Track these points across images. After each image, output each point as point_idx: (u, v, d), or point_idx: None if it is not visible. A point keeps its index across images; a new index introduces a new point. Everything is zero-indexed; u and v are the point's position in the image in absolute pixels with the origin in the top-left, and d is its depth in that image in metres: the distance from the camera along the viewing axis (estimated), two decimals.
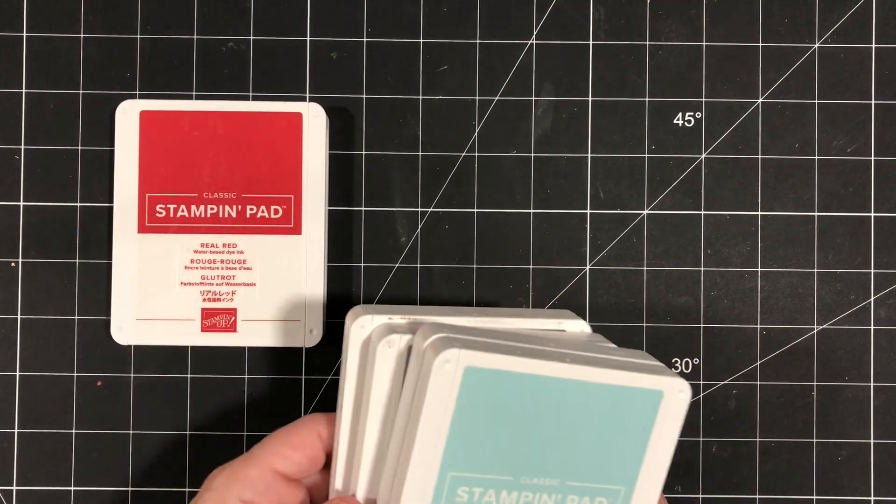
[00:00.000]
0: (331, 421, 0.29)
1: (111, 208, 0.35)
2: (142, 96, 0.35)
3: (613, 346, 0.29)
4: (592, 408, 0.25)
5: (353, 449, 0.28)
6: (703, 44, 0.36)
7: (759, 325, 0.36)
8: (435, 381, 0.24)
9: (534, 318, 0.29)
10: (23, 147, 0.35)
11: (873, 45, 0.36)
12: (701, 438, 0.35)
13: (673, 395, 0.25)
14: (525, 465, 0.25)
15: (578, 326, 0.29)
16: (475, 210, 0.36)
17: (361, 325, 0.27)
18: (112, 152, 0.35)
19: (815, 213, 0.36)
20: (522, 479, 0.25)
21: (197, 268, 0.34)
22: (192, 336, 0.34)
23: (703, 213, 0.36)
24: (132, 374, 0.35)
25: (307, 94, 0.36)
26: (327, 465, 0.29)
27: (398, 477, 0.25)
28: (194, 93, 0.36)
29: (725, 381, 0.36)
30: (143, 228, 0.34)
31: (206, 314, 0.34)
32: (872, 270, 0.36)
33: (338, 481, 0.28)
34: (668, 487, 0.35)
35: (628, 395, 0.25)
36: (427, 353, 0.24)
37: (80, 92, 0.35)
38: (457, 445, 0.24)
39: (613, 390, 0.25)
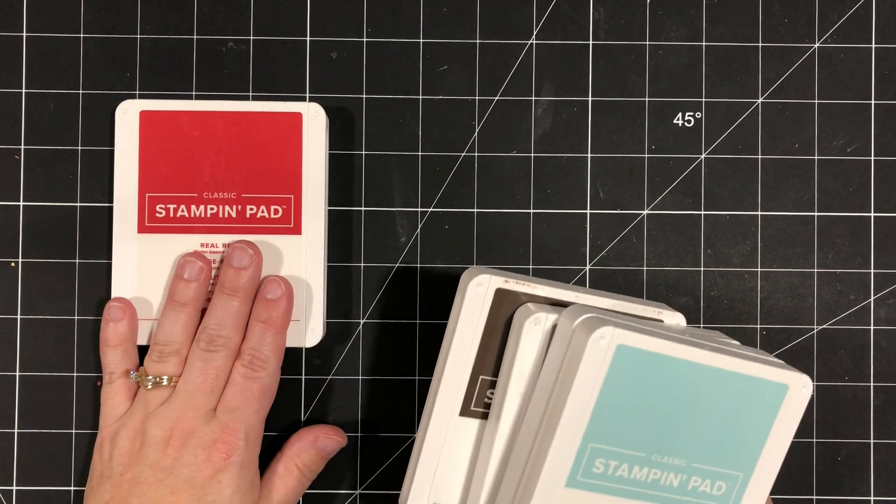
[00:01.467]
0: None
1: (111, 208, 0.35)
2: (142, 96, 0.35)
3: (737, 342, 0.30)
4: (724, 395, 0.27)
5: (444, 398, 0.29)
6: (703, 44, 0.36)
7: (759, 325, 0.36)
8: (589, 356, 0.25)
9: (636, 304, 0.31)
10: (23, 147, 0.35)
11: (873, 45, 0.36)
12: None
13: (797, 390, 0.27)
14: (658, 443, 0.26)
15: (675, 319, 0.31)
16: (475, 210, 0.36)
17: (479, 283, 0.29)
18: (112, 152, 0.35)
19: (815, 213, 0.36)
20: (654, 456, 0.27)
21: None
22: None
23: (703, 213, 0.36)
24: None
25: (307, 94, 0.36)
26: None
27: (542, 443, 0.26)
28: (194, 93, 0.36)
29: None
30: (143, 228, 0.34)
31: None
32: (872, 270, 0.36)
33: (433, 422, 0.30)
34: None
35: (757, 386, 0.27)
36: (579, 330, 0.26)
37: (80, 92, 0.35)
38: (600, 418, 0.26)
39: (745, 380, 0.27)
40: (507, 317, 0.29)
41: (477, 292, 0.29)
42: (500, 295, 0.29)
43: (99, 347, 0.33)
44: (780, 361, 0.28)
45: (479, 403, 0.29)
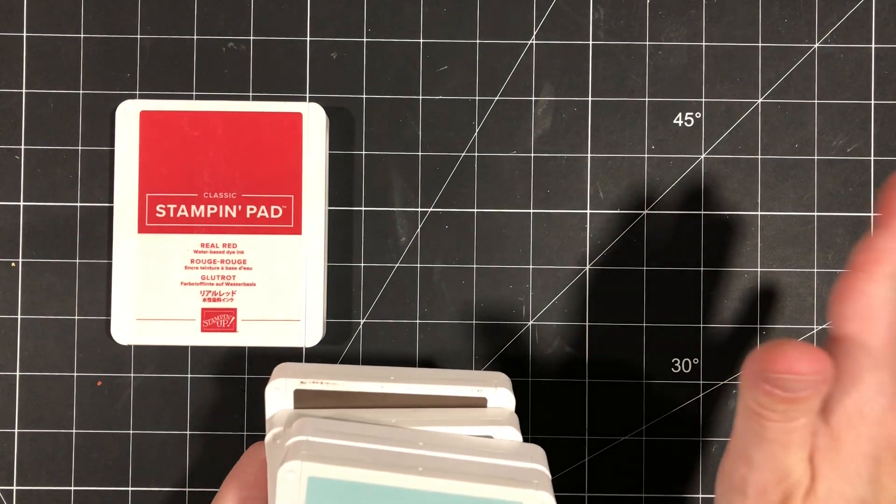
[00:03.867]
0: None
1: (111, 208, 0.35)
2: (142, 96, 0.35)
3: (513, 440, 0.27)
4: None
5: None
6: (703, 44, 0.36)
7: (758, 325, 0.36)
8: (281, 490, 0.24)
9: (458, 384, 0.28)
10: (23, 147, 0.35)
11: (873, 45, 0.36)
12: (701, 438, 0.35)
13: None
14: None
15: (501, 395, 0.29)
16: (475, 210, 0.36)
17: (276, 388, 0.28)
18: (112, 152, 0.35)
19: (815, 213, 0.36)
20: None
21: (197, 268, 0.34)
22: (192, 336, 0.34)
23: (702, 213, 0.36)
24: (132, 374, 0.35)
25: (307, 94, 0.36)
26: None
27: None
28: (194, 93, 0.36)
29: (725, 381, 0.36)
30: (143, 228, 0.34)
31: (206, 314, 0.34)
32: None
33: None
34: (668, 487, 0.35)
35: None
36: (280, 460, 0.24)
37: (80, 92, 0.35)
38: None
39: (468, 502, 0.24)
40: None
41: (275, 396, 0.28)
42: (302, 396, 0.28)
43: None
44: (537, 470, 0.25)
45: None
